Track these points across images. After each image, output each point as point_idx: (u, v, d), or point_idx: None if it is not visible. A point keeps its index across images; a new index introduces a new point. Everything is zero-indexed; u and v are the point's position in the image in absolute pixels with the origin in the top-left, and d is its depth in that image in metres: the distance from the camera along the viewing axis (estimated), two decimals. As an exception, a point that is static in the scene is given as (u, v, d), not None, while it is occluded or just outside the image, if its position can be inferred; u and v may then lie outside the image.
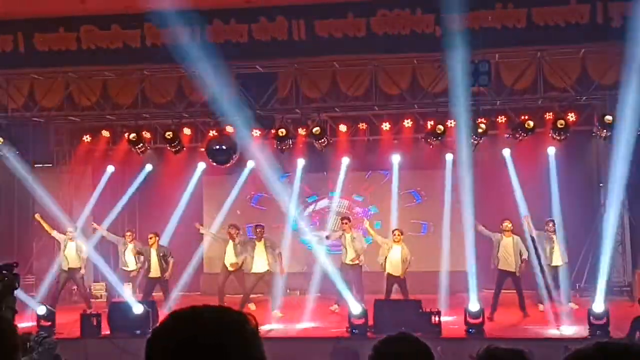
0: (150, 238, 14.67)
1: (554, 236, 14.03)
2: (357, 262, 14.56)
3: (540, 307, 13.84)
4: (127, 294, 14.19)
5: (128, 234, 15.47)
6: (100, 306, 14.46)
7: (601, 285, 12.30)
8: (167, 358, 1.66)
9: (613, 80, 13.15)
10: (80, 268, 14.76)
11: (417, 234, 17.02)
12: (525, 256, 13.70)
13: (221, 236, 15.31)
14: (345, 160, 16.57)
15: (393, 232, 14.28)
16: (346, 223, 14.79)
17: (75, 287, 16.04)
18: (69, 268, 14.55)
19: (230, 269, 14.69)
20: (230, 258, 14.71)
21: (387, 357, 2.83)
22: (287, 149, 15.02)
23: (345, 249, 14.66)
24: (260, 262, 14.44)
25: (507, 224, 13.75)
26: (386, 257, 14.02)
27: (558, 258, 13.98)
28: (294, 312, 14.35)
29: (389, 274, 14.01)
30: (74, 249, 14.65)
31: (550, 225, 14.05)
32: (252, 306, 14.37)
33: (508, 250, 13.66)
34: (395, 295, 14.05)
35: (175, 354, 1.65)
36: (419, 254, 15.06)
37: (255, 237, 14.83)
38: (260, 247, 14.51)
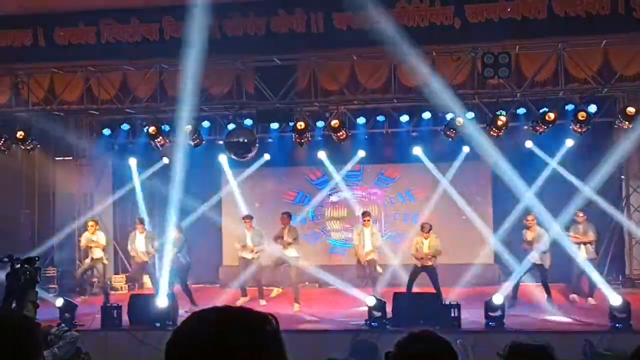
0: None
1: (581, 227, 13.99)
2: (372, 257, 14.73)
3: (574, 297, 13.96)
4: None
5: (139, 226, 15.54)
6: (120, 298, 14.56)
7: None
8: (187, 359, 1.66)
9: (635, 72, 13.02)
10: (101, 259, 15.10)
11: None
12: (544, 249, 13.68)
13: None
14: (362, 153, 16.68)
15: (422, 226, 14.48)
16: (367, 219, 14.92)
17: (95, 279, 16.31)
18: (93, 258, 14.99)
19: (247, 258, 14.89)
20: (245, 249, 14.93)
21: (410, 356, 2.81)
22: (306, 142, 15.02)
23: (363, 245, 14.80)
24: (289, 249, 14.61)
25: (530, 219, 13.81)
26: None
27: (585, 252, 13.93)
28: (313, 304, 14.39)
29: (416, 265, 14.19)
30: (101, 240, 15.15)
31: (580, 215, 14.02)
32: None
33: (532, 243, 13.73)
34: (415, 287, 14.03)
35: (195, 355, 1.65)
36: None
37: (281, 224, 14.94)
38: (286, 233, 14.70)
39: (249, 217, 15.29)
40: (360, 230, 15.01)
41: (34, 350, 1.99)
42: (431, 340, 2.86)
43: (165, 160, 16.90)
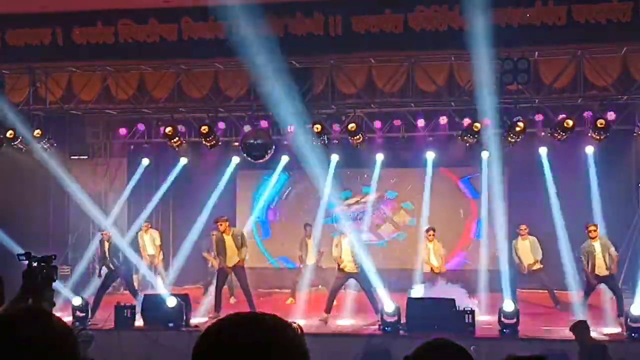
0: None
1: (594, 243, 12.89)
2: (357, 270, 13.34)
3: None
4: (160, 286, 14.36)
5: (144, 224, 16.31)
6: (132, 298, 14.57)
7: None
8: None
9: (655, 80, 12.92)
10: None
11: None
12: (539, 257, 14.06)
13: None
14: (380, 157, 16.51)
15: (426, 231, 14.35)
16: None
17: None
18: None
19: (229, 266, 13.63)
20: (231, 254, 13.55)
21: None
22: (322, 145, 14.99)
23: (341, 256, 13.35)
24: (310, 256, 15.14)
25: (522, 228, 14.21)
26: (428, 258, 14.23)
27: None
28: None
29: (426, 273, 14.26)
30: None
31: (591, 229, 12.92)
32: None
33: (524, 252, 14.14)
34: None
35: None
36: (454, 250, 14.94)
37: (304, 234, 15.35)
38: (310, 244, 15.11)
39: (222, 219, 13.71)
40: (337, 242, 13.58)
41: (72, 353, 1.95)
42: (448, 350, 2.83)
43: (184, 160, 16.85)
